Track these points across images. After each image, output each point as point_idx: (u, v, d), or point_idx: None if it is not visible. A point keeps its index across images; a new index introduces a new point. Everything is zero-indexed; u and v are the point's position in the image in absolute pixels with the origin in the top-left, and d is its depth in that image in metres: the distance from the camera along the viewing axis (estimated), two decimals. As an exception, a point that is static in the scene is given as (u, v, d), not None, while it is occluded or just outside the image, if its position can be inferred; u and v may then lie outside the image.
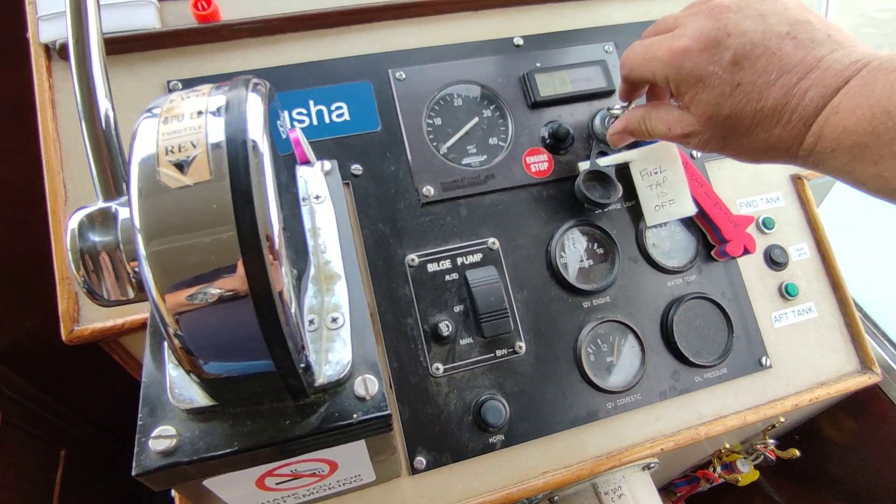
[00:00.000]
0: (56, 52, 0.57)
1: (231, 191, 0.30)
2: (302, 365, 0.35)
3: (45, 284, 1.26)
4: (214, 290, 0.30)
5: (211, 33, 0.61)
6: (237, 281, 0.30)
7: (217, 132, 0.31)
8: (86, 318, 0.52)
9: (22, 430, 1.26)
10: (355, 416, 0.37)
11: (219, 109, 0.32)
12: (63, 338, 0.51)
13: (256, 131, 0.31)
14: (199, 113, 0.32)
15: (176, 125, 0.32)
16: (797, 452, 0.85)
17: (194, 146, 0.31)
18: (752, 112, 0.42)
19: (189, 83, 0.59)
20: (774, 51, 0.41)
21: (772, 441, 0.87)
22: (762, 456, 0.90)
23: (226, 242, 0.29)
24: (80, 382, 1.47)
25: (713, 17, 0.44)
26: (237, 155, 0.30)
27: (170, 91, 0.59)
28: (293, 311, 0.32)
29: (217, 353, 0.33)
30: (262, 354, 0.32)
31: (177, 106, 0.33)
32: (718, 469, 0.94)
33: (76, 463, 1.44)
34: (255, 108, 0.33)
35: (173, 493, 0.56)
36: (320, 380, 0.38)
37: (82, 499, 1.43)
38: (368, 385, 0.38)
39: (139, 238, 0.29)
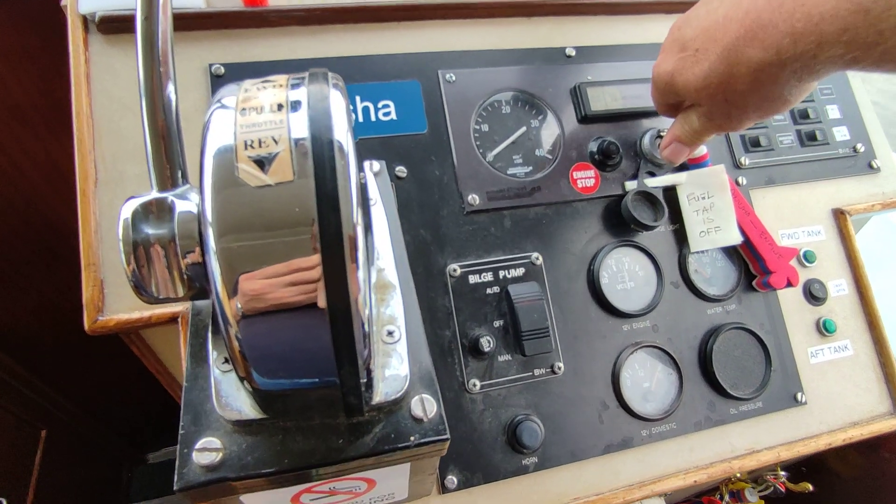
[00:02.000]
0: (95, 25, 0.54)
1: (316, 194, 0.27)
2: (364, 381, 0.33)
3: (34, 270, 1.24)
4: (287, 295, 0.28)
5: (257, 18, 0.58)
6: (314, 289, 0.28)
7: (300, 129, 0.29)
8: (110, 307, 0.49)
9: (2, 408, 1.22)
10: (412, 438, 0.35)
11: (299, 104, 0.30)
12: (86, 328, 0.48)
13: (342, 131, 0.29)
14: (280, 106, 0.30)
15: (255, 117, 0.30)
16: (810, 487, 0.85)
17: (276, 142, 0.29)
18: (717, 57, 0.43)
19: (232, 68, 0.57)
20: (717, 6, 0.44)
21: (783, 473, 0.87)
22: (772, 487, 0.90)
23: (306, 248, 0.27)
24: (68, 364, 1.44)
25: (670, 30, 0.50)
26: (323, 155, 0.28)
27: (211, 74, 0.56)
28: (365, 324, 0.30)
29: (279, 363, 0.30)
30: (329, 369, 0.30)
31: (253, 97, 0.31)
32: (726, 497, 0.93)
33: (57, 445, 1.40)
34: (338, 106, 0.30)
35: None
36: (377, 398, 0.36)
37: (61, 482, 1.40)
38: (426, 405, 0.36)
39: (210, 232, 0.27)
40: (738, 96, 0.44)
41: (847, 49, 0.35)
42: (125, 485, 1.85)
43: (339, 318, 0.28)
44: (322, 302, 0.28)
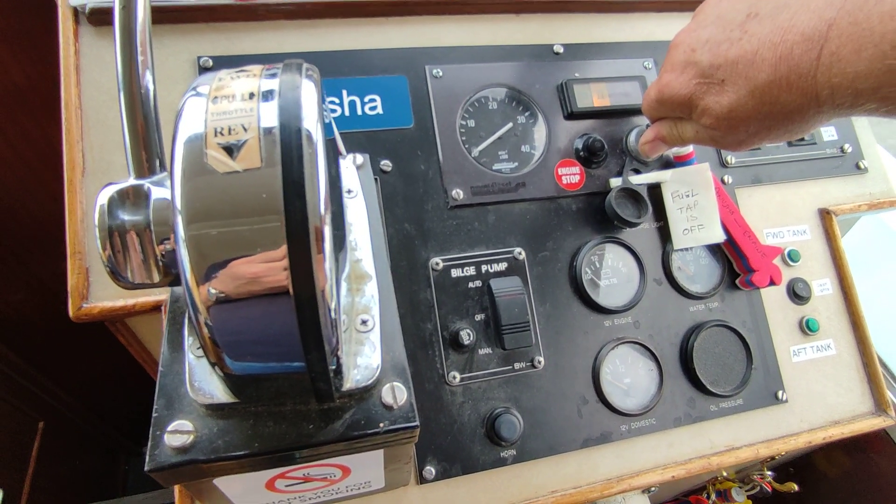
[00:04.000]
0: (85, 17, 0.55)
1: (282, 181, 0.28)
2: (333, 367, 0.33)
3: (31, 258, 1.24)
4: (254, 282, 0.28)
5: (246, 11, 0.59)
6: (280, 276, 0.28)
7: (270, 117, 0.29)
8: (95, 295, 0.50)
9: (0, 399, 1.23)
10: (382, 425, 0.35)
11: (271, 93, 0.31)
12: (70, 314, 0.49)
13: (311, 120, 0.30)
14: (251, 95, 0.31)
15: (226, 105, 0.30)
16: (795, 487, 0.85)
17: (245, 129, 0.29)
18: (747, 93, 0.42)
19: (220, 61, 0.57)
20: (740, 37, 0.42)
21: (770, 473, 0.87)
22: (758, 487, 0.90)
23: (272, 234, 0.28)
24: (65, 355, 1.44)
25: (676, 47, 0.49)
26: (290, 143, 0.29)
27: (200, 67, 0.57)
28: (332, 311, 0.31)
29: (248, 348, 0.31)
30: (296, 355, 0.31)
31: (226, 85, 0.31)
32: (713, 496, 0.93)
33: (54, 437, 1.41)
34: (309, 96, 0.31)
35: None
36: (348, 384, 0.36)
37: (58, 473, 1.40)
38: (397, 393, 0.37)
39: (179, 219, 0.28)
40: (763, 130, 0.44)
41: (881, 104, 0.36)
42: (122, 477, 1.86)
43: (304, 304, 0.29)
44: (288, 288, 0.28)
